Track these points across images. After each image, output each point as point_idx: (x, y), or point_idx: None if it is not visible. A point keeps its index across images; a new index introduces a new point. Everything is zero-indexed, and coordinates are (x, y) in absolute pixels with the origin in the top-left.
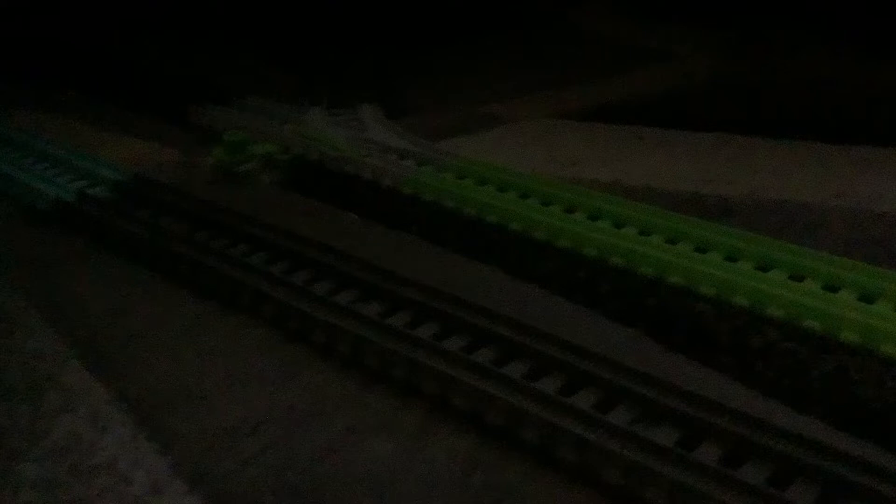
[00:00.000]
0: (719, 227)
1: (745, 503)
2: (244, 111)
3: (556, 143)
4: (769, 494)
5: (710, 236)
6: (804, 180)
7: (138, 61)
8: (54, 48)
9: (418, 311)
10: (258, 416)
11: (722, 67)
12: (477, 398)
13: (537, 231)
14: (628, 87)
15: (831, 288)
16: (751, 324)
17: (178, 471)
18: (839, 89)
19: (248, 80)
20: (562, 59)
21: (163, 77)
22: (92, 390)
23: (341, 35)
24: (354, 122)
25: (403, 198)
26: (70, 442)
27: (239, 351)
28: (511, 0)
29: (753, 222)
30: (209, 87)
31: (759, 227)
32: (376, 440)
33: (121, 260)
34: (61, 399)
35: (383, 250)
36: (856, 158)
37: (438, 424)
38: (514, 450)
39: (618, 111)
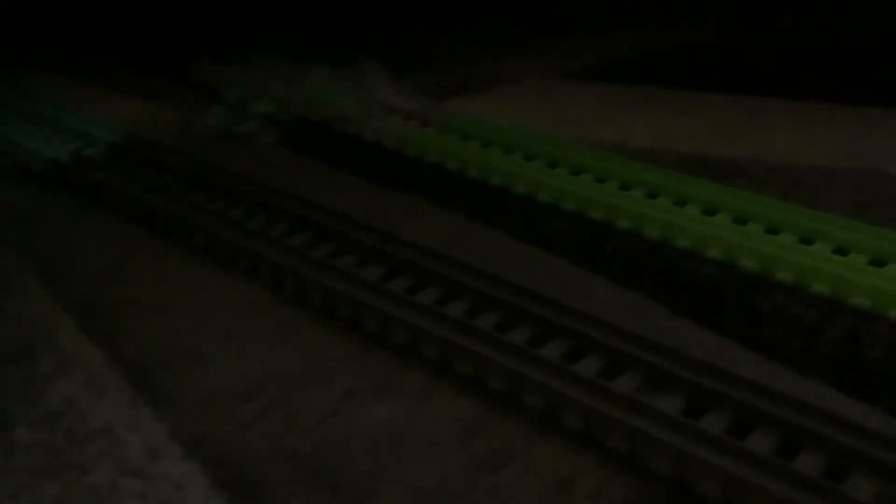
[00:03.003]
0: (728, 189)
1: (751, 473)
2: (245, 68)
3: (560, 103)
4: (776, 464)
5: (718, 198)
6: (814, 141)
7: (138, 16)
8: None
9: (419, 275)
10: (256, 379)
11: (731, 25)
12: (479, 364)
13: (542, 193)
14: (633, 45)
15: (841, 251)
16: (759, 287)
17: (175, 435)
18: (851, 48)
19: (249, 36)
20: (566, 16)
21: (161, 32)
22: (87, 353)
23: None
24: (357, 81)
25: (406, 159)
26: (65, 406)
27: (237, 313)
28: None
29: (762, 184)
30: (209, 43)
31: (768, 189)
32: (377, 404)
33: (116, 221)
34: (56, 362)
35: (384, 212)
36: (867, 119)
37: (440, 388)
38: (517, 414)
39: (623, 70)
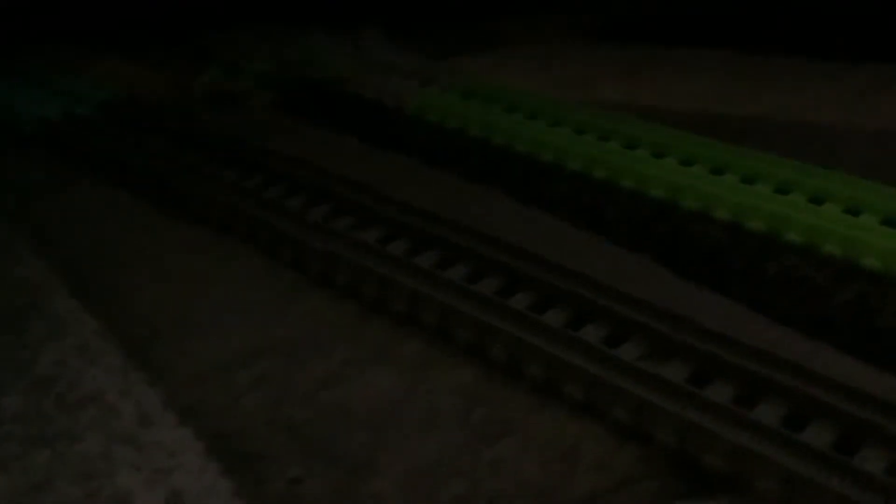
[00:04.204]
0: (736, 148)
1: (758, 444)
2: (241, 31)
3: (564, 63)
4: (785, 436)
5: (726, 157)
6: (823, 99)
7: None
8: None
9: (419, 238)
10: (252, 347)
11: None
12: (479, 331)
13: (545, 153)
14: (637, 5)
15: (853, 211)
16: (767, 249)
17: (169, 403)
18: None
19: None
20: None
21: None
22: (79, 320)
23: None
24: (355, 42)
25: (406, 118)
26: (56, 373)
27: (232, 280)
28: None
29: (770, 143)
30: (205, 8)
31: (776, 148)
32: (375, 372)
33: (109, 185)
34: (47, 329)
35: (383, 174)
36: (876, 76)
37: (439, 356)
38: (517, 382)
39: (628, 30)
